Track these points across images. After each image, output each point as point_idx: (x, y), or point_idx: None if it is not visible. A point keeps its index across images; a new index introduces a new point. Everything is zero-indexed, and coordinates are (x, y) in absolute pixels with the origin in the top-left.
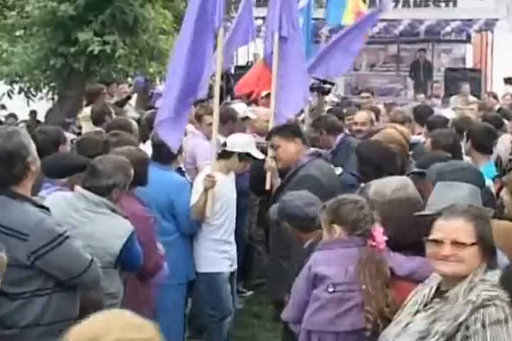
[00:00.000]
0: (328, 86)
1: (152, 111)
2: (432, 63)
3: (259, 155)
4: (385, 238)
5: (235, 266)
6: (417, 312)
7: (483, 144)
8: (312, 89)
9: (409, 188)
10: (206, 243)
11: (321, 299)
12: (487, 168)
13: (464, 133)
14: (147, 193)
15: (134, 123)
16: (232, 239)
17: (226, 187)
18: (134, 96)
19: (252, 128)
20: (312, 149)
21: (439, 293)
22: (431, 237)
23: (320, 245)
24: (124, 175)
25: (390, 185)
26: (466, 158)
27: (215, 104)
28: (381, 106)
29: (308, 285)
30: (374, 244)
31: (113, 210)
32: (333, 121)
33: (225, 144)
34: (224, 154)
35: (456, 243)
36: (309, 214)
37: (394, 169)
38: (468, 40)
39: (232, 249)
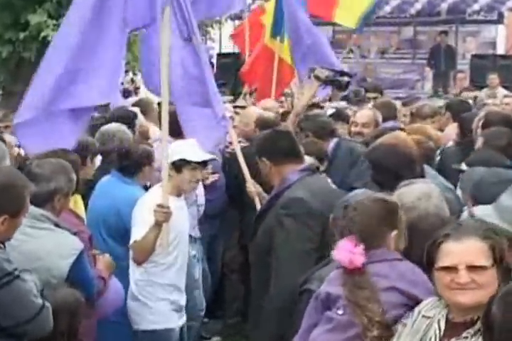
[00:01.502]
0: (346, 79)
1: (121, 106)
2: (456, 49)
3: (201, 157)
4: (356, 254)
5: (185, 318)
6: None
7: None
8: (326, 82)
9: (432, 199)
10: (149, 289)
11: (334, 320)
12: None
13: None
14: (96, 208)
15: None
16: (183, 284)
17: (178, 214)
18: None
19: (237, 132)
20: (308, 162)
21: (453, 324)
22: (441, 264)
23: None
24: (66, 179)
25: (411, 194)
26: None
27: (164, 103)
28: (397, 103)
29: (323, 306)
30: (338, 261)
31: (56, 225)
32: (323, 122)
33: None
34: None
35: (472, 267)
36: None
37: (413, 178)
38: (499, 20)
39: (182, 298)
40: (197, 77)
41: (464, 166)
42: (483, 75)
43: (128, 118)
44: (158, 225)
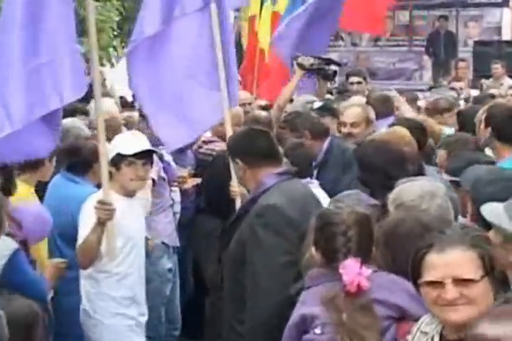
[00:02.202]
0: (333, 68)
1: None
2: (457, 35)
3: (134, 149)
4: (363, 276)
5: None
6: None
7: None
8: (311, 71)
9: (436, 198)
10: (102, 304)
11: None
12: None
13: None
14: (48, 211)
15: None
16: (143, 297)
17: (128, 217)
18: None
19: (212, 131)
20: (286, 166)
21: None
22: (425, 279)
23: (306, 281)
24: None
25: (411, 192)
26: (487, 152)
27: (96, 95)
28: (394, 94)
29: (298, 330)
30: (344, 283)
31: None
32: (319, 119)
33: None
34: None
35: (460, 281)
36: None
37: (404, 177)
38: (505, 3)
39: (142, 313)
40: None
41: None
42: (487, 64)
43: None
44: (100, 224)
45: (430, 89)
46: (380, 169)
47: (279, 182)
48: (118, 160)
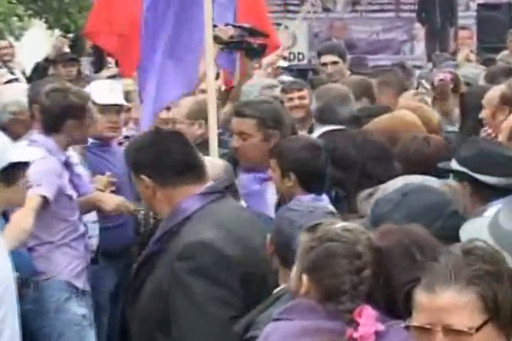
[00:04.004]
0: (258, 41)
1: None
2: None
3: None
4: (377, 327)
5: None
6: None
7: None
8: (230, 46)
9: None
10: None
11: None
12: None
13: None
14: None
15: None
16: None
17: None
18: None
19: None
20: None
21: None
22: (412, 322)
23: (280, 312)
24: None
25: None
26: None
27: None
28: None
29: None
30: (355, 336)
31: None
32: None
33: None
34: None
35: (453, 330)
36: None
37: (389, 175)
38: None
39: None
40: None
41: (454, 164)
42: (494, 33)
43: None
44: None
45: (433, 65)
46: (355, 165)
47: (206, 205)
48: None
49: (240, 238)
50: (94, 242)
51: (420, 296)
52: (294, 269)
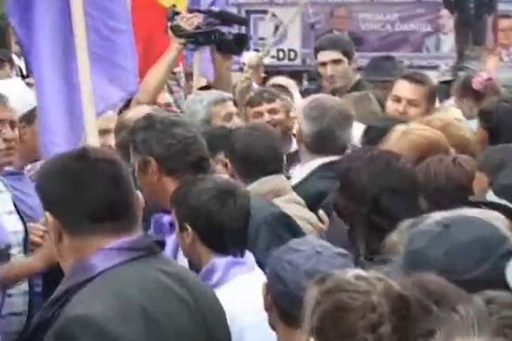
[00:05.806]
0: (233, 31)
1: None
2: None
3: None
4: None
5: None
6: None
7: None
8: (193, 39)
9: None
10: None
11: None
12: None
13: None
14: None
15: None
16: None
17: None
18: None
19: None
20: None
21: None
22: None
23: None
24: None
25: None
26: None
27: None
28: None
29: None
30: None
31: None
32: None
33: None
34: None
35: None
36: None
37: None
38: None
39: None
40: None
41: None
42: None
43: None
44: None
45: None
46: (368, 194)
47: (118, 266)
48: None
49: (146, 313)
50: None
51: None
52: (302, 334)
